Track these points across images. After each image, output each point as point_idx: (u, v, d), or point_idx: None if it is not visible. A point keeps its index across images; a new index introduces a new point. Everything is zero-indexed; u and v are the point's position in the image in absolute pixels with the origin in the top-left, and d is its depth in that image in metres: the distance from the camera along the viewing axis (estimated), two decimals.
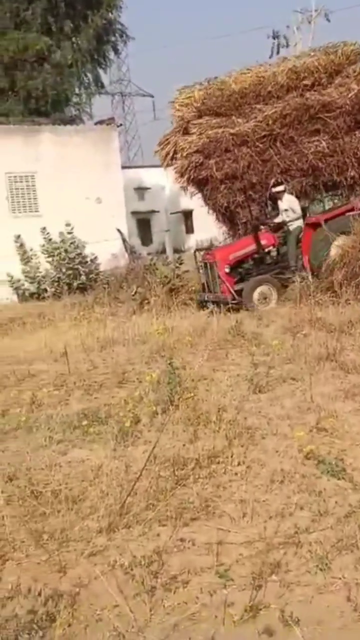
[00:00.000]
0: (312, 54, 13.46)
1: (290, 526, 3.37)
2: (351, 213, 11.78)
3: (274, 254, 11.95)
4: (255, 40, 53.64)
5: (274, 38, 19.87)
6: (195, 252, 14.27)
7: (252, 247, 11.72)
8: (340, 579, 2.89)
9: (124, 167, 22.40)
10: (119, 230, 19.64)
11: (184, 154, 13.91)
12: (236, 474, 4.16)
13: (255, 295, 11.26)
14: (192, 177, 14.08)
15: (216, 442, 4.66)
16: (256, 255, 11.77)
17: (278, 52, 19.05)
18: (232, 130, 13.33)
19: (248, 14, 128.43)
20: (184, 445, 4.72)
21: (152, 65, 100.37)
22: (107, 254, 18.89)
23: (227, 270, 11.50)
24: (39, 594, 3.02)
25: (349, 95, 12.56)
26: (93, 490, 4.04)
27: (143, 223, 30.54)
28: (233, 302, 10.93)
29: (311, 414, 5.21)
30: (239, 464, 4.29)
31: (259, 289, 11.32)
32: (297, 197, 12.87)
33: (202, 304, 11.80)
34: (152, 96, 51.04)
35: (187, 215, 30.39)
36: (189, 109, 13.99)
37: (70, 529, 3.61)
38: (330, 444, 4.52)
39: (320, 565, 2.98)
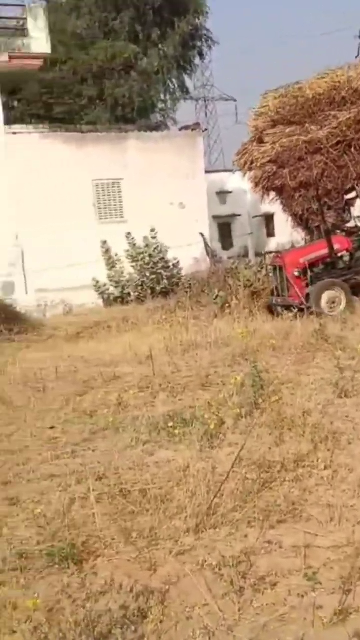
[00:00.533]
0: None
1: None
2: None
3: (346, 258, 11.64)
4: (344, 41, 52.57)
5: None
6: (265, 254, 14.20)
7: (324, 251, 11.51)
8: None
9: (206, 172, 22.52)
10: (201, 235, 19.78)
11: (258, 164, 13.87)
12: (323, 478, 4.14)
13: (324, 299, 11.01)
14: (266, 186, 14.03)
15: (302, 446, 4.65)
16: (328, 260, 11.52)
17: None
18: (305, 138, 13.12)
19: (335, 14, 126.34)
20: (270, 448, 4.73)
21: (234, 69, 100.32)
22: (189, 258, 19.07)
23: (296, 274, 11.31)
24: (131, 590, 3.11)
25: None
26: (180, 491, 4.11)
27: (224, 227, 30.57)
28: (301, 306, 10.72)
29: None
30: (325, 468, 4.26)
31: (327, 293, 11.06)
32: None
33: (271, 309, 11.63)
34: (235, 100, 50.95)
35: (269, 219, 30.20)
36: (264, 119, 13.93)
37: (158, 527, 3.69)
38: None
39: None
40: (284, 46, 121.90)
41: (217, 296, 13.47)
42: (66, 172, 18.21)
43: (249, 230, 27.25)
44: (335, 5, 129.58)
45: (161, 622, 2.82)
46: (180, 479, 4.31)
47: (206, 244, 19.95)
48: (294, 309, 10.10)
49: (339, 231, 11.98)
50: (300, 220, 14.20)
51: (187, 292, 15.62)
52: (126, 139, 19.88)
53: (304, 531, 3.47)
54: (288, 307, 10.80)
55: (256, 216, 30.32)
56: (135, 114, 24.51)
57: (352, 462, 4.33)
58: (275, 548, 3.36)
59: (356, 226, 11.85)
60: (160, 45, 26.24)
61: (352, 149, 12.85)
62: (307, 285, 11.21)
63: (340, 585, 2.90)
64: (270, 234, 30.92)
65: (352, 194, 12.18)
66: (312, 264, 11.53)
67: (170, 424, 5.55)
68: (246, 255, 24.36)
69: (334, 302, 11.01)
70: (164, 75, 26.30)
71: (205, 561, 3.28)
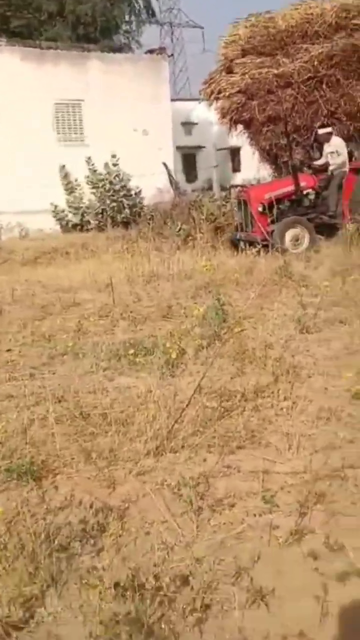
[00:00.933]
0: None
1: (336, 460, 3.42)
2: None
3: (312, 196, 11.51)
4: None
5: None
6: (230, 188, 14.01)
7: (290, 188, 11.34)
8: None
9: (171, 100, 21.94)
10: (165, 165, 19.42)
11: (227, 95, 13.51)
12: (282, 408, 4.21)
13: (287, 236, 10.95)
14: (234, 118, 13.73)
15: (262, 378, 4.71)
16: (294, 197, 11.41)
17: None
18: (276, 71, 12.80)
19: None
20: (231, 378, 4.79)
21: None
22: (152, 188, 18.77)
23: (260, 209, 11.18)
24: (91, 506, 3.15)
25: None
26: (141, 415, 4.13)
27: (189, 158, 30.08)
28: (265, 242, 10.70)
29: (358, 357, 5.21)
30: (285, 399, 4.34)
31: (291, 231, 10.99)
32: (344, 140, 12.46)
33: (235, 244, 11.54)
34: (202, 27, 49.66)
35: (235, 152, 29.77)
36: (233, 48, 13.49)
37: (118, 449, 3.72)
38: None
39: None
40: None
41: (180, 229, 13.32)
42: (23, 89, 17.54)
43: (214, 163, 26.84)
44: None
45: (120, 536, 2.87)
46: (141, 404, 4.33)
47: (170, 175, 19.62)
48: (258, 244, 10.05)
49: (306, 168, 11.83)
50: (268, 155, 13.98)
51: (149, 222, 15.42)
52: (88, 59, 19.17)
53: (263, 457, 3.55)
54: (252, 243, 10.73)
55: (222, 149, 29.84)
56: (98, 34, 23.58)
57: (312, 394, 4.41)
58: (233, 472, 3.43)
59: (326, 164, 11.68)
60: None
61: (324, 85, 12.60)
62: (272, 222, 11.11)
63: (296, 508, 2.98)
64: (236, 168, 30.56)
65: (327, 129, 11.93)
66: (278, 201, 11.39)
67: (131, 352, 5.54)
68: (210, 188, 24.03)
69: (297, 240, 10.95)
70: None
71: (165, 481, 3.33)
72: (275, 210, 11.21)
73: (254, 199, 11.32)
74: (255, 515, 3.00)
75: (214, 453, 3.64)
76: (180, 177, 25.02)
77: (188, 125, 29.49)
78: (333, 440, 3.65)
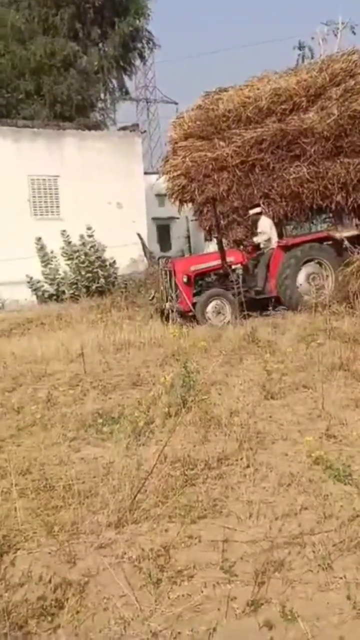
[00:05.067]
0: (298, 72, 13.12)
1: (295, 527, 3.45)
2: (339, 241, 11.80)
3: (240, 272, 11.74)
4: (284, 50, 53.75)
5: (299, 49, 19.97)
6: (158, 259, 14.24)
7: (216, 262, 11.63)
8: (341, 578, 2.96)
9: (146, 173, 22.58)
10: (139, 235, 19.82)
11: (170, 177, 13.94)
12: (245, 475, 4.24)
13: (209, 308, 11.14)
14: (179, 198, 14.13)
15: (227, 445, 4.75)
16: (220, 271, 11.68)
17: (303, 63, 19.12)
18: (212, 155, 13.18)
19: (277, 24, 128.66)
20: (194, 446, 4.82)
21: (178, 73, 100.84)
22: (126, 258, 19.08)
23: (184, 280, 11.43)
24: (49, 582, 3.12)
25: (328, 121, 12.13)
26: (104, 486, 4.15)
27: (163, 229, 30.69)
28: (189, 314, 10.84)
29: (321, 421, 5.28)
30: (248, 466, 4.37)
31: (212, 304, 11.19)
32: (279, 220, 12.81)
33: (163, 313, 11.55)
34: (176, 103, 51.14)
35: None
36: (178, 130, 13.96)
37: (81, 522, 3.71)
38: (339, 450, 4.59)
39: (323, 565, 3.06)
40: (228, 52, 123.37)
41: (153, 297, 13.49)
42: (1, 165, 17.96)
43: (184, 234, 27.42)
44: (283, 15, 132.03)
45: (78, 612, 2.85)
46: (105, 475, 4.34)
47: (143, 245, 19.99)
48: (183, 316, 10.31)
49: (242, 246, 12.16)
50: (210, 234, 14.28)
51: (122, 292, 15.59)
52: (63, 136, 19.82)
53: (224, 526, 3.56)
54: (181, 313, 10.94)
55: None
56: (73, 112, 24.37)
57: (274, 460, 4.46)
58: (194, 542, 3.43)
59: (258, 242, 12.02)
60: (100, 45, 26.20)
61: (257, 169, 12.91)
62: (196, 294, 11.34)
63: (254, 577, 2.99)
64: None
65: (257, 210, 12.31)
66: (204, 274, 11.65)
67: (99, 421, 5.57)
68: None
69: (219, 313, 11.13)
70: (103, 75, 26.28)
71: (125, 554, 3.32)
72: (200, 283, 11.46)
73: (180, 271, 11.55)
74: (214, 585, 3.00)
75: (175, 523, 3.64)
76: (155, 247, 25.47)
77: (162, 197, 30.21)
78: (292, 507, 3.68)
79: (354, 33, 19.63)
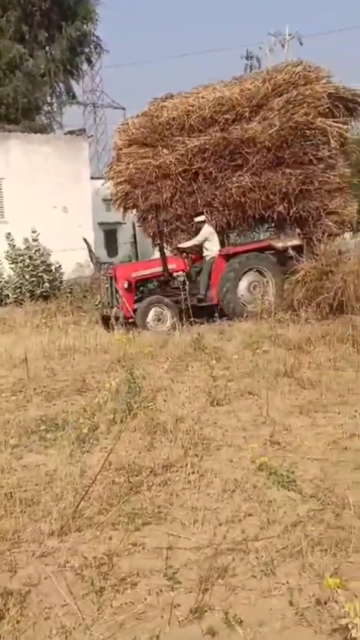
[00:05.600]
0: (242, 81, 13.16)
1: (238, 533, 3.46)
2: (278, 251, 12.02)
3: (181, 279, 11.79)
4: (235, 59, 54.39)
5: (247, 59, 20.21)
6: (100, 264, 14.24)
7: (158, 269, 11.71)
8: (284, 584, 2.98)
9: (93, 178, 22.47)
10: (85, 240, 19.66)
11: (115, 183, 13.95)
12: (189, 482, 4.24)
13: (150, 315, 11.19)
14: (123, 204, 14.15)
15: (172, 452, 4.74)
16: (162, 278, 11.77)
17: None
18: (155, 162, 13.20)
19: (229, 33, 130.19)
20: (139, 453, 4.79)
21: (127, 79, 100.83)
22: (72, 263, 18.90)
23: (125, 286, 11.46)
24: None
25: (270, 132, 12.21)
26: (47, 494, 4.08)
27: (110, 234, 30.62)
28: (130, 320, 10.89)
29: (266, 428, 5.33)
30: (192, 473, 4.37)
31: (153, 310, 11.25)
32: (222, 229, 12.95)
33: (105, 319, 11.51)
34: (124, 108, 51.13)
35: None
36: (122, 137, 13.97)
37: (22, 530, 3.64)
38: (283, 456, 4.64)
39: (266, 571, 3.08)
40: (180, 59, 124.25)
41: (99, 302, 13.40)
42: None
43: (130, 239, 27.40)
44: (233, 24, 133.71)
45: (18, 622, 2.78)
46: (48, 483, 4.27)
47: (90, 250, 19.85)
48: (124, 321, 10.34)
49: (185, 253, 12.25)
50: (154, 240, 14.32)
51: (68, 296, 15.43)
52: (8, 139, 19.56)
53: (168, 533, 3.54)
54: (123, 319, 10.94)
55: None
56: (19, 115, 24.09)
57: (219, 467, 4.47)
58: (138, 549, 3.40)
59: (195, 247, 12.14)
60: (47, 48, 26.01)
61: (200, 177, 13.02)
62: (137, 300, 11.37)
63: (197, 584, 2.98)
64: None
65: (200, 218, 12.43)
66: (145, 280, 11.68)
67: (42, 428, 5.49)
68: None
69: (159, 320, 11.18)
70: (50, 78, 26.09)
71: (68, 562, 3.27)
72: (142, 290, 11.53)
73: (121, 277, 11.56)
74: (157, 593, 2.98)
75: (119, 530, 3.61)
76: (102, 252, 25.37)
77: (109, 202, 30.12)
78: (236, 513, 3.69)
79: (301, 44, 20.01)
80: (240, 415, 5.70)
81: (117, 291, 11.47)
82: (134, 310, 11.11)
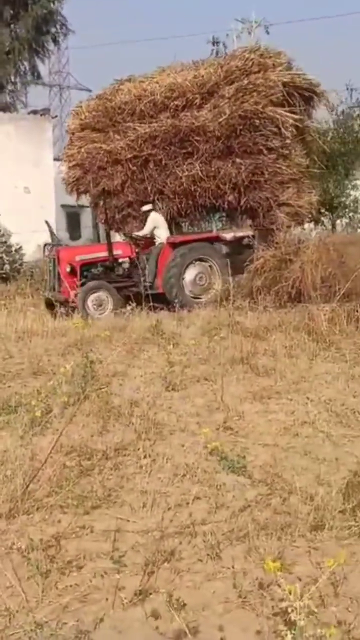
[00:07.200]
0: (198, 67, 12.81)
1: (186, 517, 3.48)
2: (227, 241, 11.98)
3: (126, 265, 11.68)
4: (203, 44, 54.10)
5: (213, 44, 19.98)
6: (44, 246, 14.07)
7: (103, 254, 11.59)
8: (229, 568, 3.02)
9: (56, 159, 22.12)
10: (47, 222, 19.38)
11: (67, 167, 13.78)
12: (141, 466, 4.25)
13: (90, 300, 11.00)
14: (75, 189, 14.00)
15: (125, 436, 4.74)
16: (107, 263, 11.73)
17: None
18: (106, 147, 13.01)
19: (199, 17, 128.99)
20: (92, 436, 4.78)
21: (94, 61, 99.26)
22: (33, 245, 18.63)
23: (68, 270, 11.28)
24: None
25: (220, 120, 11.92)
26: None
27: (72, 217, 30.23)
28: (72, 304, 10.71)
29: (219, 413, 5.36)
30: (144, 457, 4.38)
31: (93, 295, 11.05)
32: (172, 217, 12.86)
33: (49, 302, 11.32)
34: (90, 90, 50.33)
35: None
36: (75, 120, 13.78)
37: None
38: (235, 442, 4.68)
39: (211, 554, 3.11)
40: (148, 43, 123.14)
41: (42, 285, 13.19)
42: None
43: (91, 222, 27.18)
44: (199, 9, 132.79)
45: None
46: None
47: (52, 232, 19.58)
48: (66, 305, 10.22)
49: (123, 236, 12.14)
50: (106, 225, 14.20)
51: (28, 279, 15.22)
52: None
53: (117, 516, 3.55)
54: (65, 303, 10.81)
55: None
56: None
57: (171, 451, 4.48)
58: (86, 532, 3.40)
59: (149, 237, 12.05)
60: (12, 26, 25.46)
61: (150, 164, 12.87)
62: (80, 285, 11.22)
63: (143, 567, 2.99)
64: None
65: (148, 206, 12.33)
66: (90, 264, 11.56)
67: None
68: None
69: (100, 305, 11.09)
70: (14, 56, 25.54)
71: (14, 545, 3.25)
72: (86, 274, 11.32)
73: (64, 259, 11.39)
74: (102, 576, 2.99)
75: (68, 513, 3.60)
76: (65, 235, 25.05)
77: None
78: (186, 497, 3.71)
79: (267, 32, 19.84)
80: (195, 401, 5.72)
81: (59, 274, 11.29)
82: (75, 294, 10.92)
